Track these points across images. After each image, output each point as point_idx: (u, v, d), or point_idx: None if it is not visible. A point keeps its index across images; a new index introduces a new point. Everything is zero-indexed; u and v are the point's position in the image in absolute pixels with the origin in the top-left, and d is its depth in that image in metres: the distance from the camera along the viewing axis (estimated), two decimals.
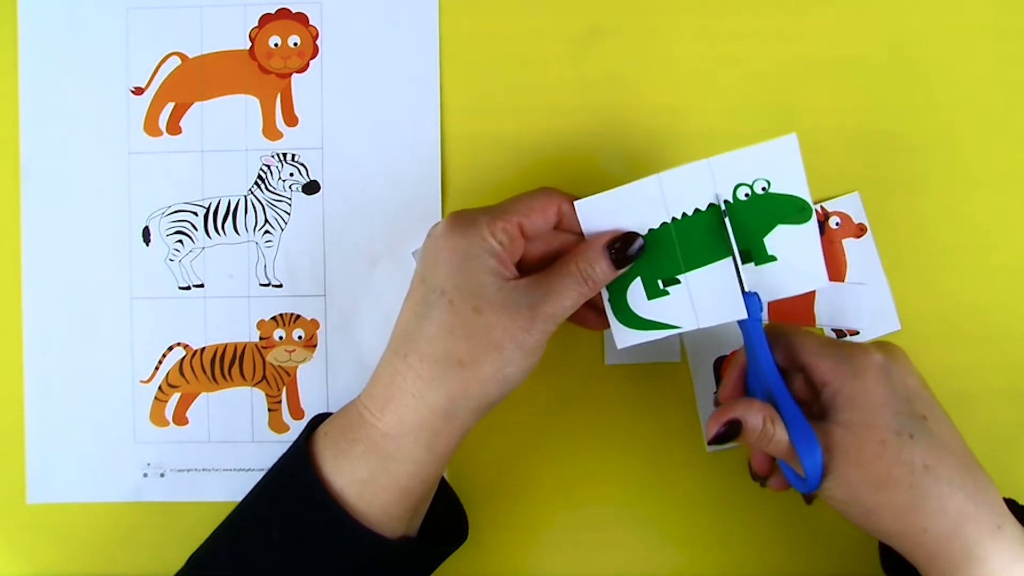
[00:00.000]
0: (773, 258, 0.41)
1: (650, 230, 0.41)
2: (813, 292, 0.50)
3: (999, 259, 0.50)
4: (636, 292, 0.42)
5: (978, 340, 0.50)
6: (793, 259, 0.41)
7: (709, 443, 0.40)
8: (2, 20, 0.53)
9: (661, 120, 0.51)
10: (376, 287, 0.52)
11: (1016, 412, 0.50)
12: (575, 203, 0.41)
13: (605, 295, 0.42)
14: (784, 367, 0.42)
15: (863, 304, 0.50)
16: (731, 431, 0.40)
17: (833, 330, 0.50)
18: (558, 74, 0.51)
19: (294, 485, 0.41)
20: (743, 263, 0.41)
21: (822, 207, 0.50)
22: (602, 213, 0.41)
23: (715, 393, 0.45)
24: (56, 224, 0.52)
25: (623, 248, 0.41)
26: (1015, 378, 0.50)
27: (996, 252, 0.50)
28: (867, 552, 0.48)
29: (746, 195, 0.40)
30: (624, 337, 0.42)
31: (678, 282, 0.41)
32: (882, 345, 0.41)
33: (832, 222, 0.50)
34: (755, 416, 0.40)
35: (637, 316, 0.42)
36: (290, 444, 0.43)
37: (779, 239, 0.41)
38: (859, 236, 0.50)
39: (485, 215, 0.40)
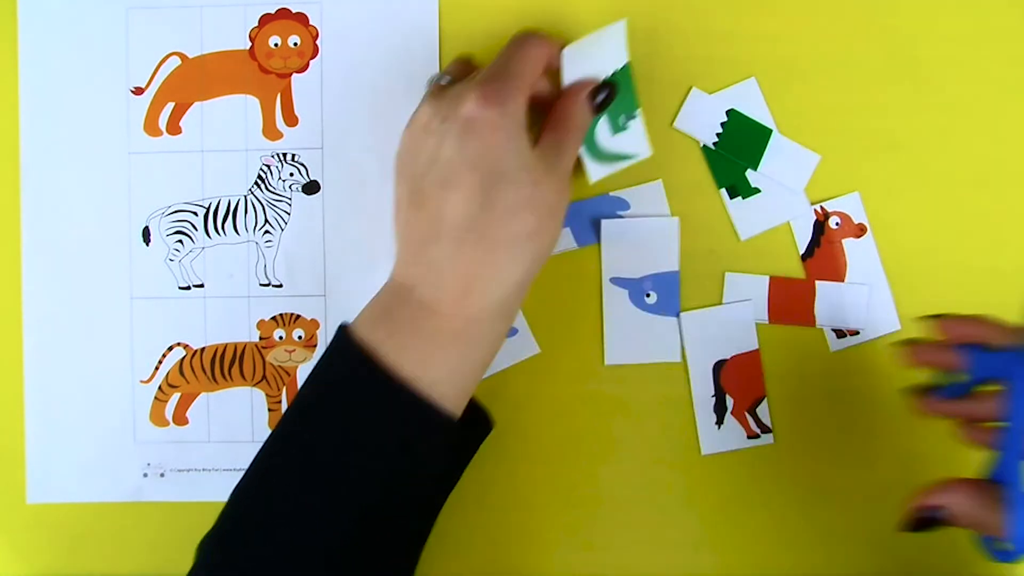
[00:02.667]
0: (757, 190, 0.49)
1: (614, 72, 0.45)
2: (813, 292, 0.50)
3: (999, 259, 0.50)
4: (602, 130, 0.46)
5: None
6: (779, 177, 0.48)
7: (904, 530, 0.38)
8: (2, 20, 0.53)
9: (661, 120, 0.51)
10: (376, 287, 0.52)
11: None
12: (563, 51, 0.43)
13: None
14: None
15: (863, 304, 0.50)
16: (930, 522, 0.37)
17: (833, 330, 0.50)
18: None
19: (366, 392, 0.39)
20: (731, 198, 0.49)
21: (822, 207, 0.50)
22: (578, 59, 0.44)
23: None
24: (56, 224, 0.52)
25: (607, 97, 0.44)
26: None
27: (996, 252, 0.50)
28: (866, 552, 0.48)
29: (717, 135, 0.49)
30: (596, 171, 0.46)
31: (635, 117, 0.46)
32: None
33: (832, 222, 0.50)
34: (961, 501, 0.37)
35: (604, 151, 0.46)
36: None
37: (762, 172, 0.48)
38: (859, 236, 0.50)
39: (513, 89, 0.40)
